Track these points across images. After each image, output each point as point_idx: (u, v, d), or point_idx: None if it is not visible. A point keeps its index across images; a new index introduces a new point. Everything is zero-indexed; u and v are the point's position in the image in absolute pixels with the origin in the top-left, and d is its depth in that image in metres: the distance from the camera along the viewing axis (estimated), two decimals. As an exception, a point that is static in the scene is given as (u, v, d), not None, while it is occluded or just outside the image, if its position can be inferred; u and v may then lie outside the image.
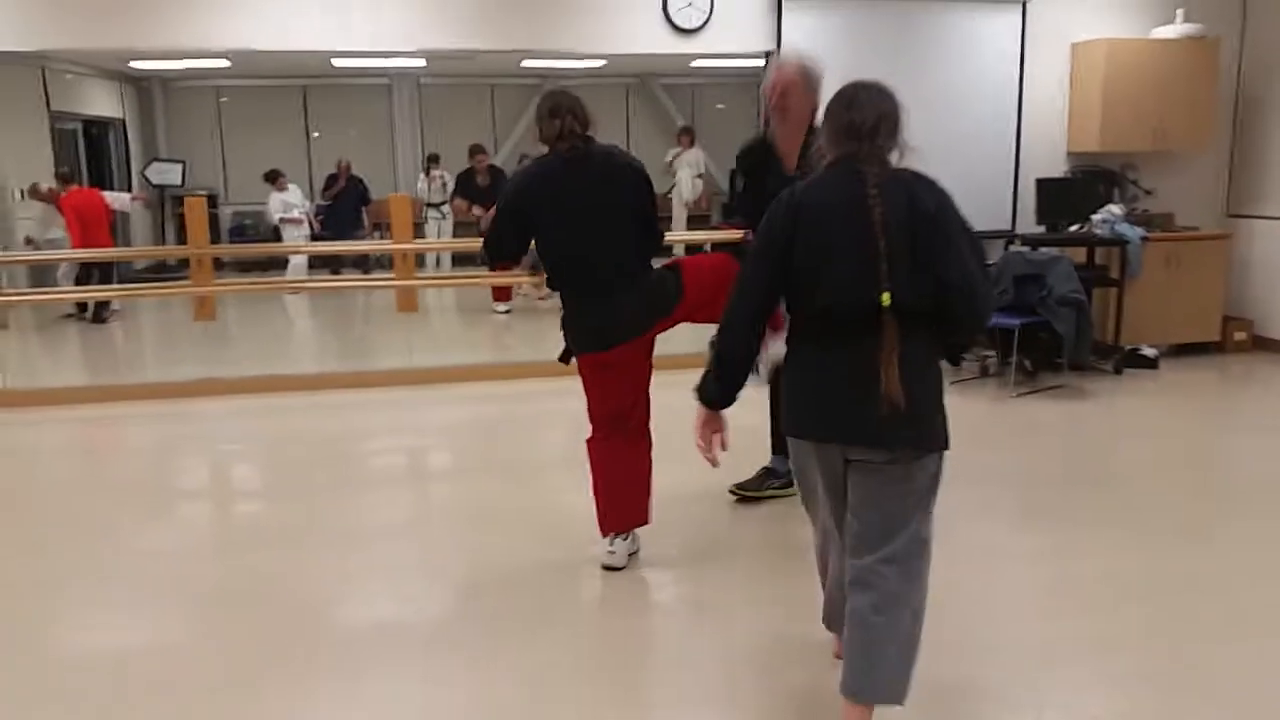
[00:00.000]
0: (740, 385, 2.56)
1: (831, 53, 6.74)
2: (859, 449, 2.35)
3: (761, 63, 6.95)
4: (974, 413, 5.79)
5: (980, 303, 2.36)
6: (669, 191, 13.16)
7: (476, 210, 9.94)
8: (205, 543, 4.13)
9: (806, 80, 3.64)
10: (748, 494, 4.22)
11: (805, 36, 6.73)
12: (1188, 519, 4.17)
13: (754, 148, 3.96)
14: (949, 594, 2.95)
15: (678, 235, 13.17)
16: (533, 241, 3.50)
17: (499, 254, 3.59)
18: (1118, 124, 6.95)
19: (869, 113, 2.42)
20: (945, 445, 2.39)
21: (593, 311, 3.43)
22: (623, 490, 3.59)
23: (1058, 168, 7.25)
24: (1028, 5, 6.94)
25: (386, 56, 11.84)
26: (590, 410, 3.61)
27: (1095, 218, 6.93)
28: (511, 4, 6.56)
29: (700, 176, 13.15)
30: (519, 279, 9.15)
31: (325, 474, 4.91)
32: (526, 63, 13.39)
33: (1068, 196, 7.08)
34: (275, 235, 12.47)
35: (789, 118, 3.68)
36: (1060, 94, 7.20)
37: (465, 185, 10.48)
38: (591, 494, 3.59)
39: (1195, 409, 6.16)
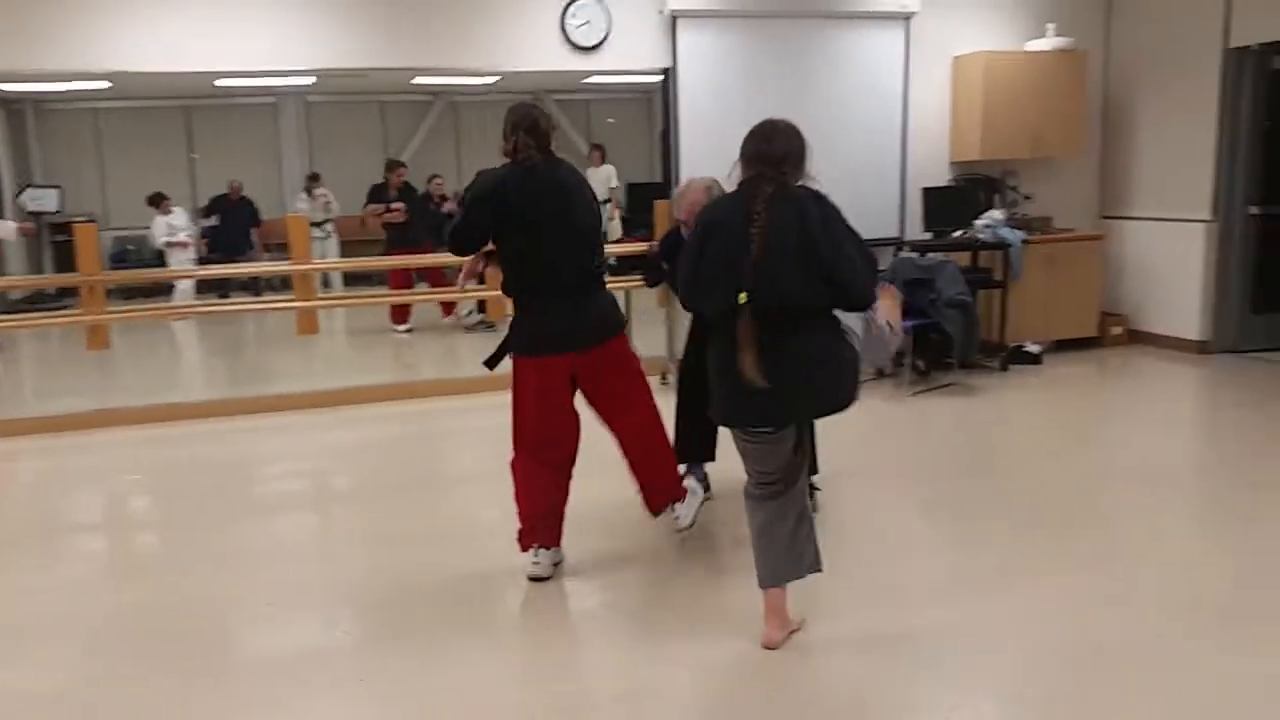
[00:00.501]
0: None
1: (726, 69, 6.98)
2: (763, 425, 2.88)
3: (659, 79, 7.10)
4: (873, 412, 5.99)
5: (862, 294, 2.84)
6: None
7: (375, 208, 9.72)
8: (98, 577, 4.02)
9: (709, 195, 3.90)
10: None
11: (699, 54, 6.90)
12: (1074, 503, 4.40)
13: (674, 241, 4.21)
14: (854, 581, 3.09)
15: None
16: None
17: (468, 244, 3.57)
18: (997, 133, 7.28)
19: (779, 146, 2.88)
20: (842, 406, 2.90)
21: (559, 314, 3.49)
22: (544, 516, 3.62)
23: (942, 176, 7.56)
24: (911, 21, 7.23)
25: (276, 76, 11.67)
26: (520, 431, 3.59)
27: (979, 223, 7.24)
28: (405, 22, 6.52)
29: (613, 191, 13.16)
30: (444, 296, 9.11)
31: (227, 501, 4.82)
32: (418, 79, 13.31)
33: (952, 203, 7.39)
34: (159, 259, 12.12)
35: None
36: (943, 105, 7.51)
37: (378, 198, 10.24)
38: (512, 506, 3.61)
39: (1077, 401, 6.49)
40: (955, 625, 3.20)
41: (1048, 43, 7.41)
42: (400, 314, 9.41)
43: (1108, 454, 5.37)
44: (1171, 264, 7.47)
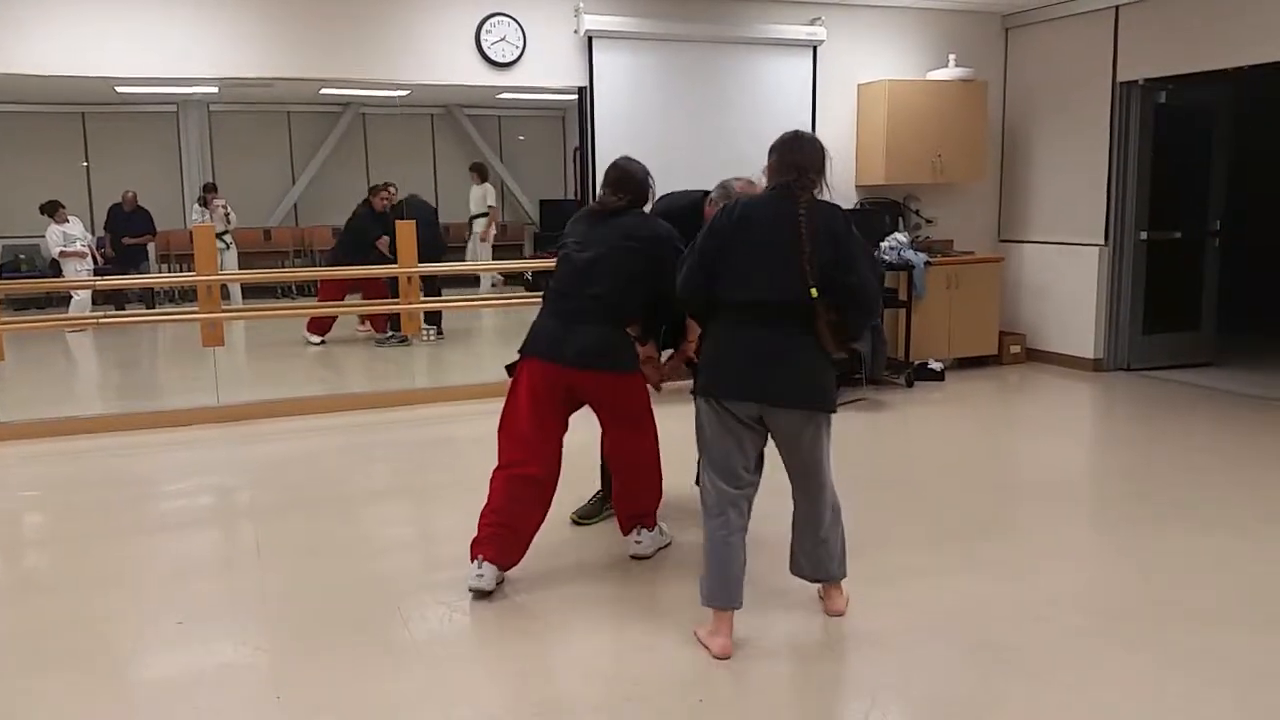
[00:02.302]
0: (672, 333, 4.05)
1: (640, 88, 7.06)
2: (767, 406, 3.07)
3: (573, 97, 7.15)
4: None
5: (871, 300, 3.12)
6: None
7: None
8: None
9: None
10: (589, 520, 4.35)
11: (615, 74, 6.98)
12: (977, 513, 4.56)
13: (693, 216, 4.01)
14: (769, 588, 3.15)
15: (481, 265, 13.23)
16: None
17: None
18: (900, 158, 7.51)
19: (808, 156, 3.12)
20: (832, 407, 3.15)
21: (553, 327, 3.66)
22: (499, 528, 3.61)
23: (849, 199, 7.76)
24: (818, 49, 7.42)
25: (178, 85, 11.38)
26: (499, 435, 3.68)
27: (884, 245, 7.46)
28: (314, 31, 6.44)
29: (490, 210, 13.16)
30: (371, 309, 8.95)
31: (131, 518, 4.68)
32: (326, 90, 13.14)
33: (858, 226, 7.50)
34: (54, 270, 11.70)
35: None
36: (849, 131, 7.72)
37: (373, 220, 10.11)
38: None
39: (978, 415, 6.72)
40: (867, 631, 3.28)
41: (949, 72, 7.68)
42: (317, 325, 9.29)
43: (1009, 465, 5.58)
44: (1067, 286, 7.80)
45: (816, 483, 3.24)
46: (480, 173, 13.38)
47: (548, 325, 3.66)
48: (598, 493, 4.39)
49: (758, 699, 2.90)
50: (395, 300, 7.08)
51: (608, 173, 3.86)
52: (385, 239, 9.45)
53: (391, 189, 10.30)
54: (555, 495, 3.68)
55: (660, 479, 3.95)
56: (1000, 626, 3.34)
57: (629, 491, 3.93)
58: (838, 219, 3.08)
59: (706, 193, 4.06)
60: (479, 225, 13.16)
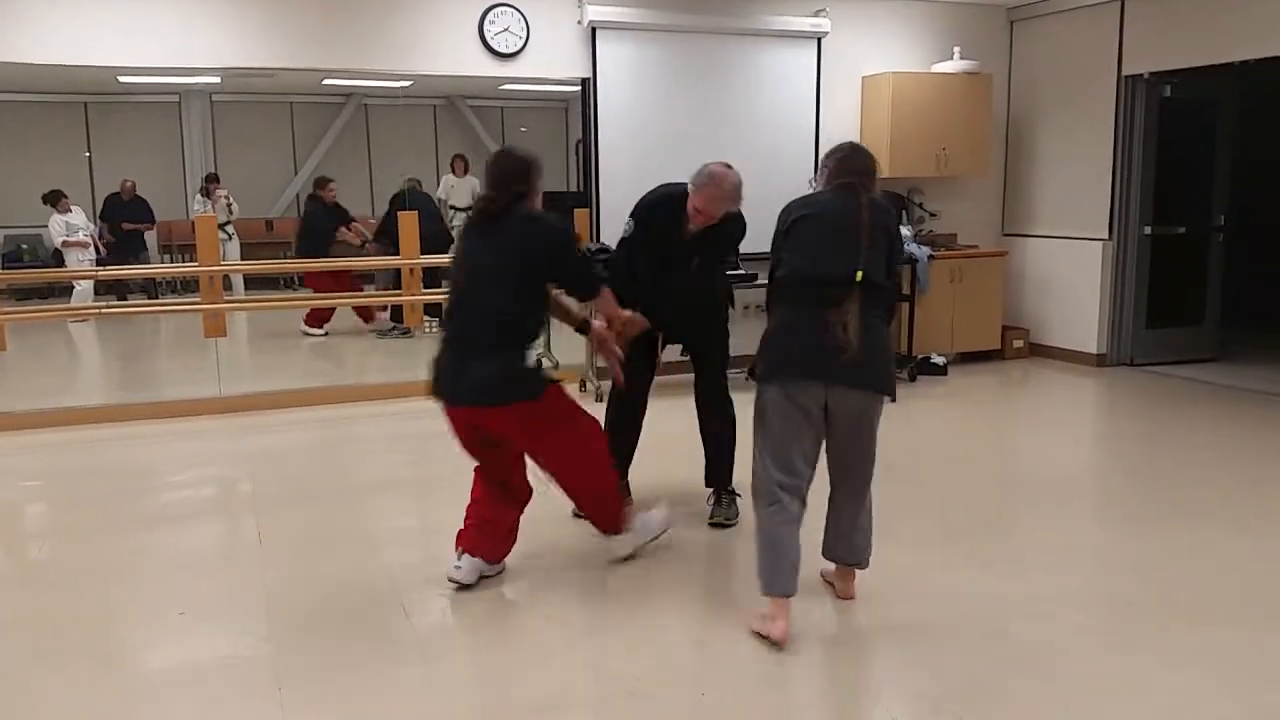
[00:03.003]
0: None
1: (643, 80, 7.04)
2: (838, 386, 3.14)
3: (576, 89, 7.13)
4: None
5: (891, 296, 3.27)
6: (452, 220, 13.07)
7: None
8: None
9: (734, 201, 3.97)
10: (734, 520, 4.26)
11: (618, 65, 6.95)
12: (980, 508, 4.56)
13: (670, 206, 4.05)
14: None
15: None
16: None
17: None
18: (905, 151, 7.48)
19: (866, 162, 3.32)
20: (894, 393, 3.25)
21: (445, 361, 3.47)
22: (475, 524, 3.61)
23: (853, 191, 7.73)
24: (822, 41, 7.39)
25: (180, 75, 11.35)
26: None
27: (888, 237, 7.43)
28: (317, 21, 6.41)
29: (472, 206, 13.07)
30: (365, 299, 8.96)
31: (133, 509, 4.69)
32: (328, 80, 13.11)
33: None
34: (57, 259, 11.71)
35: (708, 217, 3.98)
36: (853, 123, 7.69)
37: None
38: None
39: (981, 410, 6.71)
40: (869, 627, 3.28)
41: (953, 65, 7.65)
42: (315, 317, 9.30)
43: (1011, 460, 5.57)
44: (1070, 281, 7.79)
45: (865, 470, 3.35)
46: (465, 164, 13.29)
47: (443, 359, 3.43)
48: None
49: (761, 693, 2.89)
50: (398, 291, 7.06)
51: (487, 169, 3.61)
52: (354, 226, 9.51)
53: (333, 185, 10.26)
54: (546, 484, 3.67)
55: (610, 491, 3.74)
56: (1002, 622, 3.34)
57: (589, 516, 3.83)
58: (891, 217, 3.33)
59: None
60: (464, 218, 13.05)
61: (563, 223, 3.63)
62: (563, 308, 3.77)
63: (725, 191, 3.91)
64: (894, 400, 3.25)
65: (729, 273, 6.88)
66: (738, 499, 4.28)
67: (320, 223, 9.69)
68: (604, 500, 3.75)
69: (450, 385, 3.39)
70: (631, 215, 4.20)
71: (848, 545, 3.41)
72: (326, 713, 2.82)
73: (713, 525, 4.21)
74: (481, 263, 3.41)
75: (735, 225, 4.11)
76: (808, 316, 3.16)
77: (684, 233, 4.02)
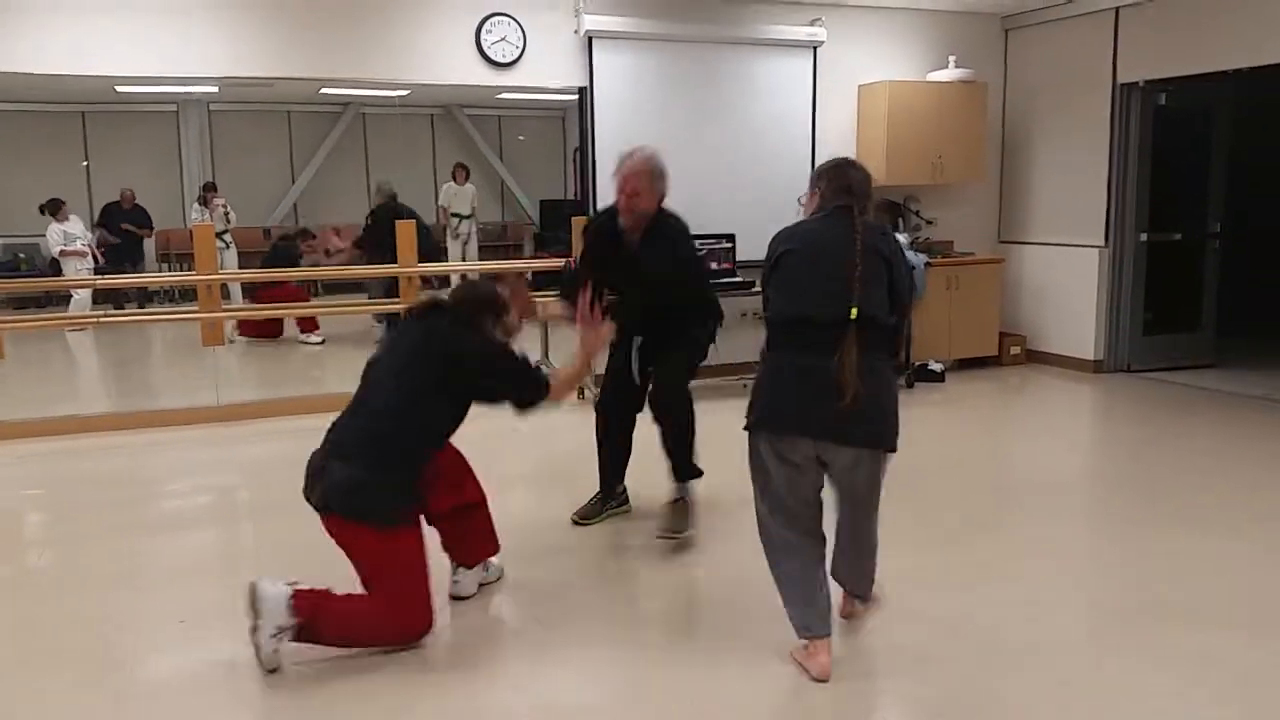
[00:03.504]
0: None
1: (640, 89, 7.07)
2: (827, 443, 2.86)
3: (573, 97, 7.15)
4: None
5: (904, 326, 3.03)
6: (458, 228, 13.12)
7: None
8: None
9: (653, 179, 3.87)
10: (590, 520, 4.32)
11: (615, 74, 6.98)
12: (977, 514, 4.57)
13: (603, 224, 4.08)
14: (769, 593, 3.14)
15: (482, 266, 13.21)
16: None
17: None
18: (901, 159, 7.51)
19: (859, 180, 3.02)
20: (894, 446, 2.93)
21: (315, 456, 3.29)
22: (466, 537, 3.60)
23: (850, 199, 7.74)
24: (818, 50, 7.42)
25: (178, 84, 11.37)
26: None
27: (885, 245, 7.45)
28: (313, 30, 6.43)
29: (473, 213, 13.19)
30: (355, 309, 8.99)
31: (132, 516, 4.69)
32: (326, 90, 13.14)
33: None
34: (54, 269, 11.71)
35: (638, 208, 3.90)
36: (849, 132, 7.72)
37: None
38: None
39: (979, 417, 6.72)
40: (866, 632, 3.29)
41: (949, 74, 7.68)
42: (309, 324, 9.38)
43: (1008, 466, 5.59)
44: (1067, 288, 7.81)
45: (865, 515, 3.08)
46: (466, 172, 13.36)
47: (315, 454, 3.23)
48: (597, 493, 4.39)
49: (756, 694, 2.90)
50: (396, 300, 7.07)
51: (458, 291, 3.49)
52: (316, 242, 9.64)
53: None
54: (546, 492, 3.68)
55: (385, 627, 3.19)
56: (998, 627, 3.35)
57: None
58: (886, 241, 2.96)
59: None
60: (465, 226, 13.16)
61: (486, 348, 3.30)
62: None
63: (639, 162, 3.85)
64: (894, 452, 2.93)
65: (722, 280, 6.95)
66: (692, 508, 4.15)
67: (283, 255, 9.74)
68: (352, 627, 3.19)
69: (309, 484, 3.21)
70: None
71: (853, 574, 3.20)
72: (323, 716, 2.81)
73: (659, 538, 4.04)
74: (386, 362, 3.27)
75: (671, 222, 3.97)
76: (796, 363, 2.87)
77: (626, 244, 3.95)
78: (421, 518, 3.29)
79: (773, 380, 2.94)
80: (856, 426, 2.82)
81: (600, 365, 4.03)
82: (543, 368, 3.40)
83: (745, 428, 2.98)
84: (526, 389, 3.30)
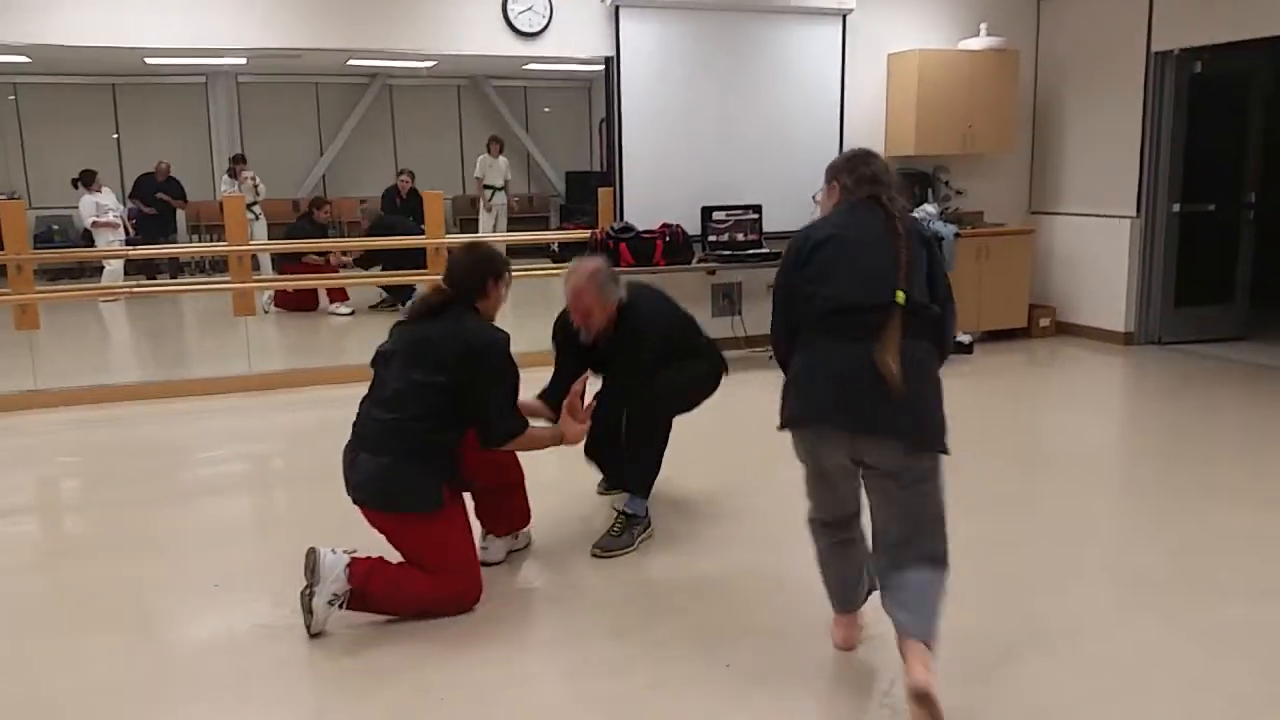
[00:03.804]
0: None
1: (667, 58, 7.03)
2: (864, 439, 2.59)
3: (599, 68, 7.13)
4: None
5: (953, 313, 2.77)
6: (490, 200, 13.16)
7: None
8: (32, 559, 3.96)
9: (600, 293, 3.62)
10: (615, 553, 3.75)
11: (642, 43, 6.95)
12: (1005, 486, 4.56)
13: (566, 327, 3.82)
14: (798, 566, 3.17)
15: (508, 237, 13.24)
16: None
17: None
18: (931, 129, 7.45)
19: (882, 168, 2.83)
20: (944, 446, 2.63)
21: (346, 460, 3.32)
22: (499, 513, 3.67)
23: (878, 169, 7.69)
24: (847, 18, 7.35)
25: (207, 56, 11.43)
26: None
27: (913, 216, 7.40)
28: (342, 2, 6.43)
29: (505, 185, 13.23)
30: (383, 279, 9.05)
31: (166, 483, 4.78)
32: (353, 61, 13.16)
33: (888, 196, 7.52)
34: (86, 240, 11.84)
35: (593, 325, 3.68)
36: (878, 100, 7.66)
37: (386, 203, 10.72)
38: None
39: (1007, 389, 6.69)
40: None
41: (980, 42, 7.59)
42: (338, 293, 9.48)
43: (1036, 439, 5.57)
44: (1098, 259, 7.74)
45: (918, 539, 2.65)
46: (500, 145, 13.40)
47: (346, 447, 3.28)
48: (622, 514, 3.88)
49: (784, 663, 2.92)
50: (424, 271, 7.10)
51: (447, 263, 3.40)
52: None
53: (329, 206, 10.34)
54: (576, 458, 3.69)
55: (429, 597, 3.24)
56: (1026, 598, 3.35)
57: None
58: (924, 227, 2.81)
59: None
60: (498, 198, 13.20)
61: (493, 344, 3.20)
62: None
63: (581, 280, 3.59)
64: (946, 453, 2.62)
65: (748, 252, 6.94)
66: (638, 527, 3.82)
67: (302, 232, 9.81)
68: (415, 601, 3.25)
69: (346, 477, 3.26)
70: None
71: (892, 605, 2.66)
72: (361, 679, 2.87)
73: (594, 556, 3.73)
74: (395, 360, 3.23)
75: (632, 323, 3.70)
76: (834, 352, 2.62)
77: (596, 344, 3.76)
78: (460, 490, 3.35)
79: (807, 372, 2.69)
80: (898, 418, 2.54)
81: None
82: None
83: (780, 427, 2.76)
84: (508, 418, 3.24)
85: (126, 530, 4.15)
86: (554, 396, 3.71)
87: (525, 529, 3.80)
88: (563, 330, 3.86)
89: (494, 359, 3.17)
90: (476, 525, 3.61)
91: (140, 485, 4.75)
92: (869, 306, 2.58)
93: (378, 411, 3.21)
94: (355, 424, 3.28)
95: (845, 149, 7.26)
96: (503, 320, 3.42)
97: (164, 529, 4.15)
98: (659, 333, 3.77)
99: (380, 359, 3.29)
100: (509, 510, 3.71)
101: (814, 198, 2.94)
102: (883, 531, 2.69)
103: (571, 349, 3.83)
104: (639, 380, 3.70)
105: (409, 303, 3.34)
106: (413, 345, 3.21)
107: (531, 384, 3.65)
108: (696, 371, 3.94)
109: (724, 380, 4.06)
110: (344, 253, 9.85)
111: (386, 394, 3.20)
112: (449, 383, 3.13)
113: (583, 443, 3.72)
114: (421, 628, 3.15)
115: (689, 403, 3.95)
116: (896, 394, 2.51)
